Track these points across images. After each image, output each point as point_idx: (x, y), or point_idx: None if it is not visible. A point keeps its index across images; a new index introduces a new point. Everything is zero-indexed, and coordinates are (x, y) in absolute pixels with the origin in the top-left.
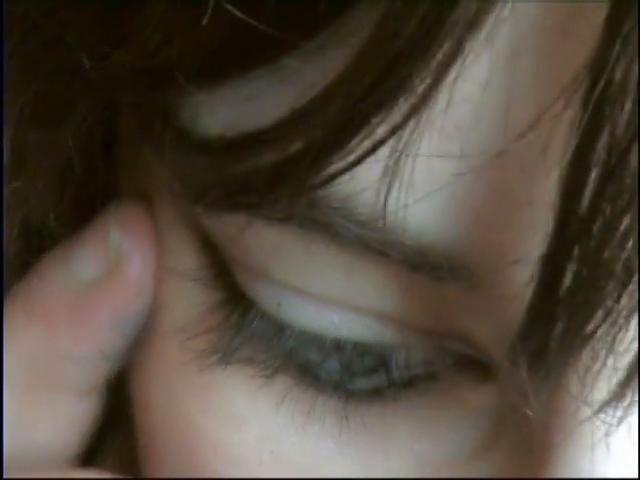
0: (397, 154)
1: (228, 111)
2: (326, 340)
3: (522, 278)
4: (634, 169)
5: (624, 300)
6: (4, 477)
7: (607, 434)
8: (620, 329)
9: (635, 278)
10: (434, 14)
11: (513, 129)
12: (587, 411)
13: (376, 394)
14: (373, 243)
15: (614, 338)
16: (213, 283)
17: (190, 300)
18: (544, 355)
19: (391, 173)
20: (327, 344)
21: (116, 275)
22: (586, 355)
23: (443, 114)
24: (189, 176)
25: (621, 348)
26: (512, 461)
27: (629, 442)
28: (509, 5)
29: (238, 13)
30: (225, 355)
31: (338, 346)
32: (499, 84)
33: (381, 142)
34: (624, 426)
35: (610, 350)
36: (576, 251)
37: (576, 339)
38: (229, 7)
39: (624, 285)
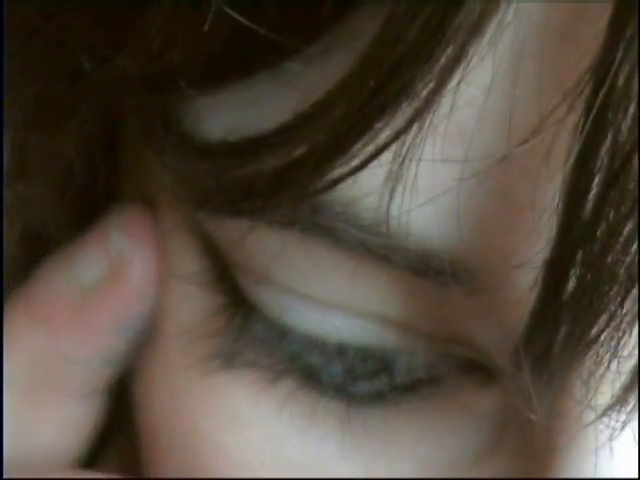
0: (400, 159)
1: (230, 115)
2: (329, 344)
3: (525, 282)
4: (637, 174)
5: (627, 305)
6: (4, 478)
7: (611, 438)
8: (623, 333)
9: (638, 283)
10: (437, 18)
11: (516, 133)
12: (591, 415)
13: (379, 398)
14: (376, 248)
15: (618, 342)
16: (215, 287)
17: (192, 304)
18: (547, 359)
19: (394, 178)
20: (330, 348)
21: (118, 278)
22: (590, 359)
23: (446, 119)
24: (191, 180)
25: (625, 352)
26: (515, 465)
27: (633, 446)
28: (512, 9)
29: (240, 17)
30: (227, 359)
31: (341, 350)
32: (502, 88)
33: (384, 147)
34: (628, 430)
35: (614, 354)
36: (579, 256)
37: (580, 343)
38: (231, 12)
39: (627, 290)
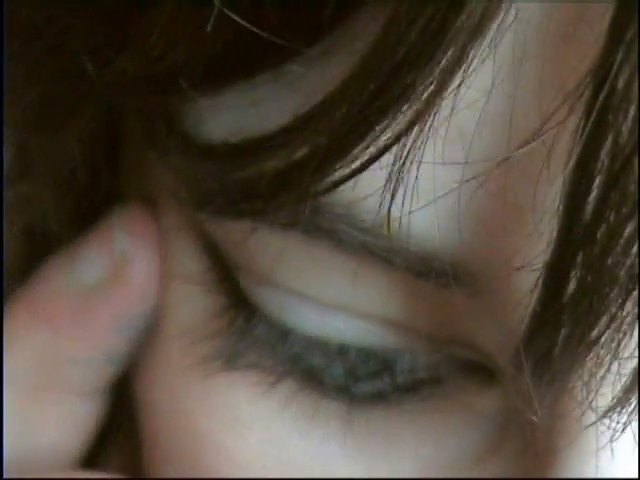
0: (401, 161)
1: (232, 117)
2: (330, 345)
3: (526, 284)
4: (638, 176)
5: (628, 306)
6: (4, 477)
7: (611, 439)
8: (624, 335)
9: (639, 284)
10: (438, 21)
11: (517, 136)
12: (591, 416)
13: (380, 398)
14: (377, 250)
15: (618, 344)
16: (217, 288)
17: (194, 304)
18: (548, 361)
19: (395, 180)
20: (331, 349)
21: (120, 278)
22: (590, 361)
23: (447, 121)
24: (193, 181)
25: (625, 354)
26: (516, 466)
27: (633, 447)
28: (513, 12)
29: (241, 20)
30: (229, 360)
31: (342, 351)
32: (503, 91)
33: (385, 149)
34: (628, 431)
35: (614, 356)
36: (580, 258)
37: (580, 345)
38: (232, 14)
39: (628, 291)
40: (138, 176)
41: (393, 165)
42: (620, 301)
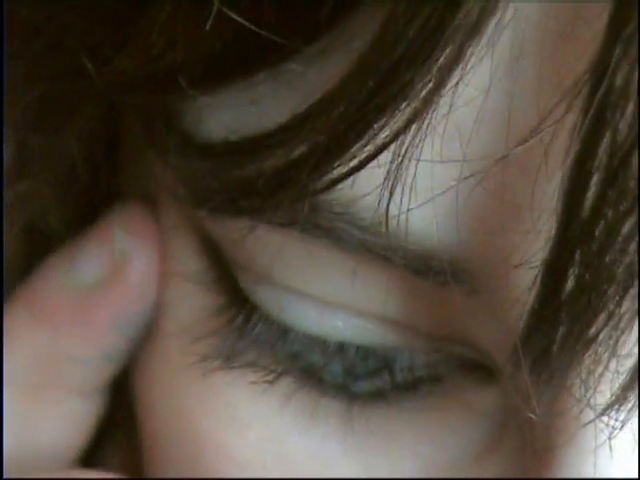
0: (399, 159)
1: (231, 115)
2: (329, 343)
3: (524, 282)
4: (636, 173)
5: (626, 304)
6: (4, 477)
7: (610, 437)
8: (622, 332)
9: (637, 282)
10: (436, 19)
11: (515, 133)
12: (590, 414)
13: (379, 397)
14: (376, 248)
15: (616, 341)
16: (216, 286)
17: (193, 303)
18: (546, 358)
19: (393, 178)
20: (330, 347)
21: (119, 277)
22: (588, 358)
23: (445, 119)
24: (192, 180)
25: (623, 351)
26: (515, 463)
27: (632, 445)
28: (511, 10)
29: (240, 18)
30: (228, 359)
31: (341, 349)
32: (501, 89)
33: (383, 147)
34: (627, 429)
35: (612, 353)
36: (578, 255)
37: (578, 342)
38: (231, 12)
39: (626, 289)
40: (137, 175)
41: (391, 163)
42: (618, 298)
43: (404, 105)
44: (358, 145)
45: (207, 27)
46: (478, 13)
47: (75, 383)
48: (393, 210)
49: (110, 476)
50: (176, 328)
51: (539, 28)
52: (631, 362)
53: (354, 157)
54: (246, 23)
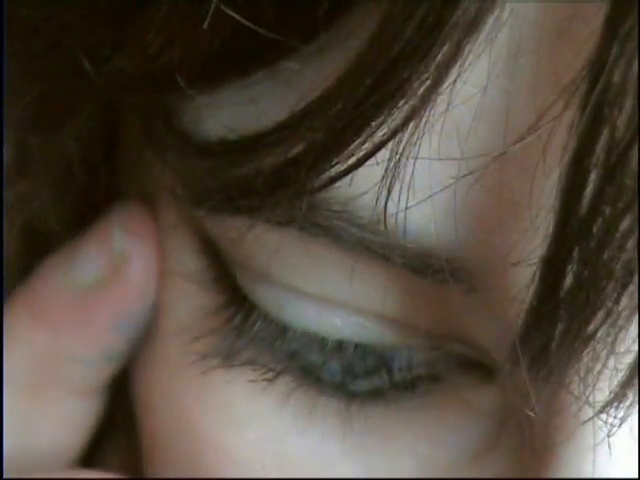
0: (397, 157)
1: (229, 114)
2: (328, 342)
3: (523, 279)
4: (634, 170)
5: (624, 301)
6: (4, 477)
7: (609, 435)
8: (621, 329)
9: (635, 279)
10: (433, 16)
11: (513, 131)
12: (589, 412)
13: (378, 395)
14: (374, 246)
15: (615, 339)
16: (215, 286)
17: (192, 302)
18: (545, 356)
19: (391, 176)
20: (329, 346)
21: (118, 277)
22: (587, 356)
23: (443, 116)
24: (190, 179)
25: (622, 348)
26: (514, 461)
27: (631, 443)
28: (508, 7)
29: (238, 17)
30: (227, 358)
31: (340, 347)
32: (498, 86)
33: (381, 145)
34: (626, 427)
35: (611, 351)
36: (576, 252)
37: (577, 340)
38: (229, 11)
39: (624, 286)
40: (136, 174)
41: (389, 161)
42: (616, 295)
43: (402, 103)
44: (356, 143)
45: (205, 26)
46: (476, 10)
47: (75, 383)
48: (391, 208)
49: (110, 476)
50: (175, 327)
51: (536, 25)
52: (630, 359)
53: (352, 155)
54: (244, 21)
